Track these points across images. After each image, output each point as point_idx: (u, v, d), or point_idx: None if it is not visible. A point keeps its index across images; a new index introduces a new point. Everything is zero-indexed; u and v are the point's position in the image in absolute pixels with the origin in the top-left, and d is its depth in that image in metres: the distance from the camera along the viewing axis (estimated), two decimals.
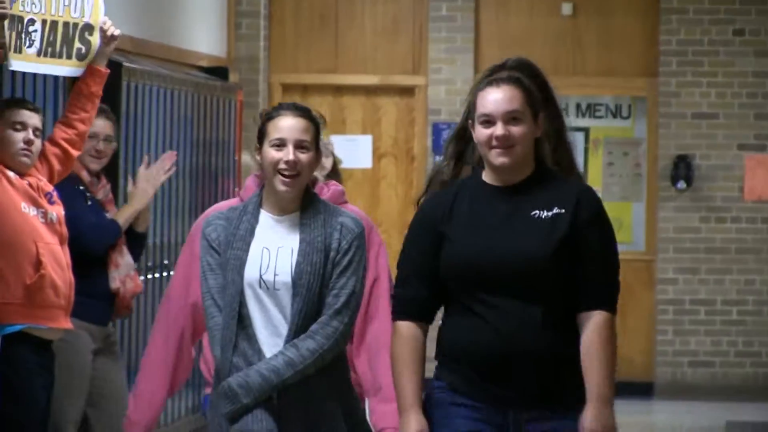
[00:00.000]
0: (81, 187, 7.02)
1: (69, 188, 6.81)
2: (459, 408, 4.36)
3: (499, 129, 4.27)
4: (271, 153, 4.69)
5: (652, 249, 16.52)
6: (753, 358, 16.08)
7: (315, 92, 17.69)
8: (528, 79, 4.91)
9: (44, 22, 7.29)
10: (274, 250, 4.69)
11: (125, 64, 10.75)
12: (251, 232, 4.72)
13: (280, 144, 4.69)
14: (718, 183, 16.52)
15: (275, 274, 4.64)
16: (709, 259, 16.30)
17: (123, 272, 7.07)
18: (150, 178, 7.45)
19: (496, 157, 4.28)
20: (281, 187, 4.68)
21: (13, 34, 6.63)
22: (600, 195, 13.81)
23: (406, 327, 4.41)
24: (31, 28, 6.62)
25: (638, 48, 16.63)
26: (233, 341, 4.66)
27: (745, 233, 16.31)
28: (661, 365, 16.48)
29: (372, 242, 5.20)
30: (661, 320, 16.36)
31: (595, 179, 16.63)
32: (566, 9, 16.38)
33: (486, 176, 4.41)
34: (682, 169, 16.11)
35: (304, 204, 4.74)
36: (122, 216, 7.18)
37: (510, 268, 4.26)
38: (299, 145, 4.67)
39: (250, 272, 4.66)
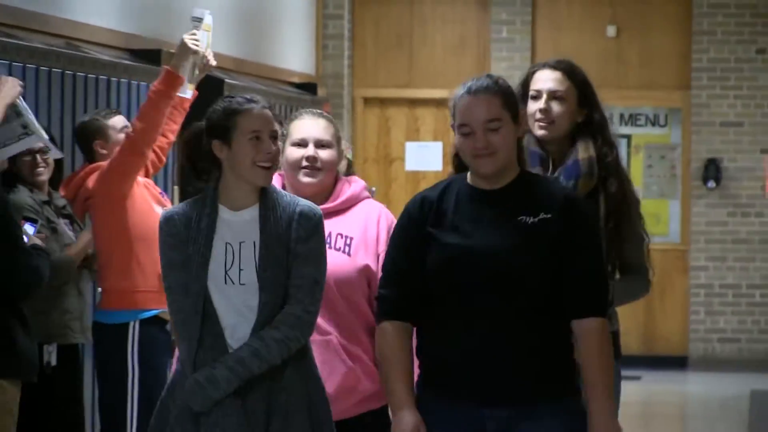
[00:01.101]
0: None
1: None
2: (439, 409, 4.25)
3: (479, 139, 4.18)
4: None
5: (686, 240, 17.72)
6: None
7: (392, 104, 18.39)
8: (569, 76, 5.12)
9: None
10: (237, 245, 4.54)
11: (227, 80, 11.62)
12: (212, 228, 4.55)
13: (255, 137, 4.51)
14: (743, 183, 17.75)
15: (240, 269, 4.49)
16: (736, 248, 17.44)
17: None
18: None
19: (480, 166, 4.21)
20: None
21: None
22: (640, 194, 14.10)
23: (392, 327, 4.31)
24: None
25: (673, 65, 17.81)
26: (198, 336, 4.50)
27: (767, 226, 17.61)
28: (694, 341, 17.62)
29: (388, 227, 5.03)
30: (694, 302, 17.49)
31: (636, 180, 16.54)
32: (611, 31, 17.55)
33: (471, 179, 4.32)
34: (712, 170, 17.32)
35: (262, 197, 4.58)
36: None
37: (495, 272, 4.18)
38: (273, 135, 4.55)
39: (214, 269, 4.51)
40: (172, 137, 7.03)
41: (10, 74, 7.68)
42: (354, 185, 5.23)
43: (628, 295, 5.26)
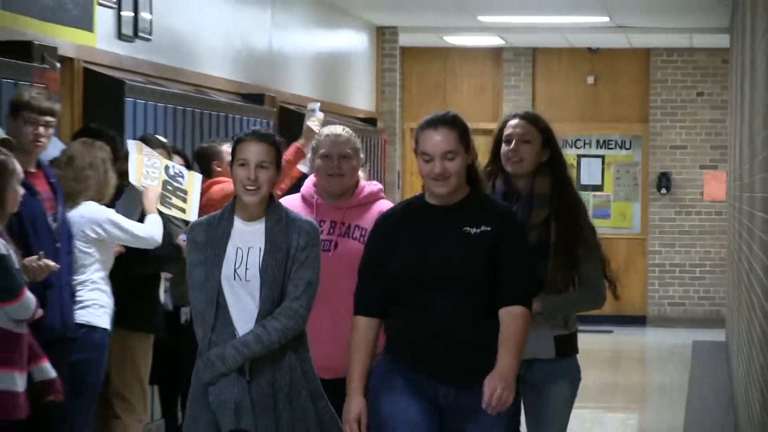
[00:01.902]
0: None
1: None
2: (398, 373, 4.12)
3: (437, 166, 4.01)
4: (239, 172, 4.37)
5: (645, 231, 18.37)
6: (710, 301, 18.16)
7: None
8: (534, 124, 4.84)
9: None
10: (246, 249, 4.37)
11: None
12: (227, 235, 4.38)
13: (244, 164, 4.34)
14: (686, 190, 18.39)
15: (246, 269, 4.34)
16: (681, 238, 18.19)
17: None
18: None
19: (436, 188, 4.05)
20: (247, 198, 4.38)
21: None
22: (611, 198, 15.78)
23: (362, 322, 4.16)
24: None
25: (636, 104, 18.36)
26: (212, 323, 4.37)
27: (704, 221, 18.31)
28: (651, 305, 18.34)
29: None
30: (651, 276, 18.25)
31: (608, 188, 18.73)
32: (590, 80, 18.14)
33: (428, 198, 4.15)
34: (664, 181, 17.97)
35: (268, 212, 4.40)
36: None
37: (442, 275, 4.03)
38: (260, 165, 4.33)
39: (227, 268, 4.36)
40: (280, 193, 6.58)
41: (155, 113, 8.10)
42: (373, 186, 5.09)
43: (583, 304, 5.04)
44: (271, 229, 4.27)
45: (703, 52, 18.29)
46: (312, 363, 4.42)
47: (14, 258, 4.80)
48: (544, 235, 4.65)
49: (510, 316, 3.93)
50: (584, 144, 19.34)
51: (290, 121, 10.19)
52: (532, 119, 4.83)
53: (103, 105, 7.96)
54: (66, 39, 8.29)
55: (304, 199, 4.96)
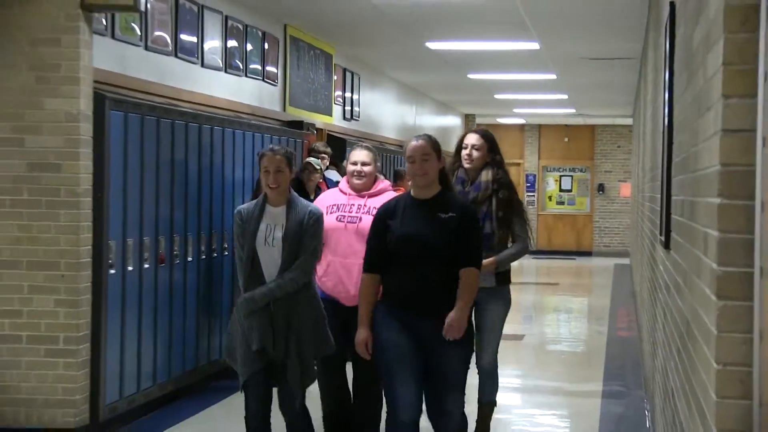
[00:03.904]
0: None
1: None
2: (390, 315, 4.34)
3: (417, 163, 4.20)
4: (264, 177, 4.66)
5: (592, 211, 23.35)
6: (623, 244, 22.36)
7: None
8: (483, 137, 5.37)
9: None
10: (272, 225, 4.61)
11: (348, 141, 11.48)
12: (260, 216, 4.58)
13: (265, 168, 4.61)
14: (612, 191, 23.35)
15: (273, 238, 4.57)
16: (610, 214, 23.44)
17: None
18: None
19: (418, 181, 4.21)
20: (270, 193, 4.69)
21: None
22: (576, 196, 24.05)
23: (368, 278, 4.40)
24: None
25: (588, 151, 23.72)
26: (248, 272, 4.59)
27: (621, 207, 23.00)
28: (595, 246, 23.55)
29: None
30: (595, 232, 23.58)
31: (575, 191, 23.84)
32: (566, 139, 23.52)
33: (413, 193, 4.32)
34: (601, 187, 23.01)
35: (288, 201, 4.59)
36: None
37: (422, 246, 4.21)
38: (277, 170, 4.60)
39: (260, 237, 4.60)
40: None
41: (260, 145, 8.22)
42: (384, 182, 5.44)
43: (516, 255, 5.37)
44: (289, 212, 4.59)
45: (620, 125, 23.32)
46: (318, 299, 4.79)
47: None
48: (489, 206, 5.10)
49: (466, 275, 4.23)
50: (563, 170, 24.31)
51: (339, 141, 11.14)
52: (482, 134, 5.27)
53: (336, 151, 9.31)
54: (319, 119, 10.71)
55: (341, 190, 5.38)
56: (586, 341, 11.53)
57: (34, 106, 6.12)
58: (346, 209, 5.31)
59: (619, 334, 11.62)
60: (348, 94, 12.91)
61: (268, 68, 9.81)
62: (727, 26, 2.31)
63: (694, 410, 2.96)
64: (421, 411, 4.43)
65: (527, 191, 24.00)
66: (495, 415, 5.99)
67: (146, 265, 6.98)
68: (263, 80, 9.68)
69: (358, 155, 5.43)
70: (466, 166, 5.37)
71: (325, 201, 5.40)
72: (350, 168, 5.41)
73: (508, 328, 5.80)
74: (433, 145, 4.40)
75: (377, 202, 5.16)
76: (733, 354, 2.35)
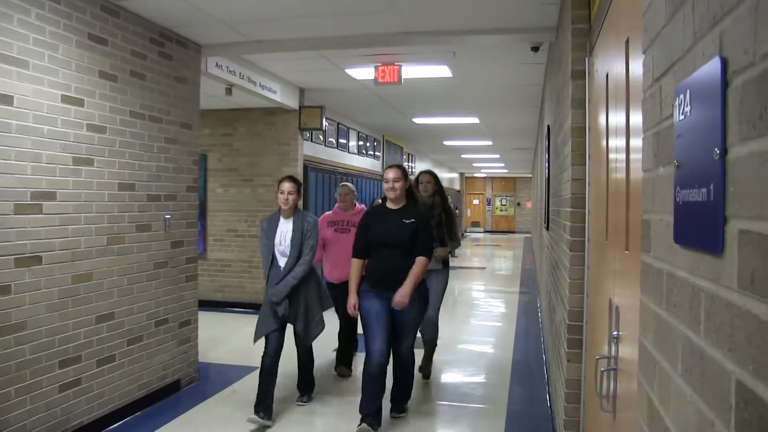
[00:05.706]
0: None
1: None
2: (371, 292, 3.31)
3: (391, 185, 3.26)
4: (280, 196, 3.41)
5: (515, 215, 21.14)
6: (528, 226, 20.05)
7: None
8: (431, 176, 4.03)
9: None
10: (285, 233, 3.48)
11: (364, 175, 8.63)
12: (276, 225, 3.48)
13: (281, 191, 3.38)
14: (524, 206, 21.17)
15: (285, 243, 3.45)
16: (523, 216, 21.03)
17: None
18: None
19: (390, 194, 3.28)
20: (283, 209, 3.42)
21: None
22: (507, 207, 20.01)
23: (356, 262, 3.36)
24: None
25: (513, 189, 21.01)
26: (269, 268, 3.43)
27: (524, 216, 20.75)
28: (517, 229, 20.91)
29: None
30: (517, 223, 20.80)
31: (509, 209, 21.25)
32: (503, 182, 20.78)
33: (387, 204, 3.36)
34: (519, 205, 20.68)
35: (294, 215, 3.47)
36: None
37: (392, 242, 3.28)
38: (290, 192, 3.41)
39: (277, 241, 3.47)
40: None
41: (374, 188, 7.31)
42: (360, 205, 4.23)
43: (456, 247, 4.17)
44: (296, 223, 3.45)
45: (526, 177, 20.80)
46: (321, 282, 3.55)
47: None
48: (439, 219, 3.98)
49: (417, 262, 3.23)
50: (503, 196, 22.35)
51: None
52: (430, 173, 3.99)
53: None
54: None
55: (335, 211, 4.17)
56: (512, 269, 10.89)
57: (279, 172, 6.26)
58: (340, 224, 4.23)
59: (527, 266, 11.18)
60: (409, 162, 11.81)
61: (376, 153, 9.46)
62: (573, 135, 2.47)
63: (559, 301, 3.02)
64: (389, 356, 3.38)
65: (487, 205, 22.12)
66: (471, 300, 5.72)
67: None
68: (373, 157, 9.28)
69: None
70: (421, 194, 3.99)
71: (326, 218, 4.29)
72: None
73: (475, 263, 5.77)
74: (402, 172, 3.39)
75: (357, 218, 4.15)
76: (575, 275, 2.44)
